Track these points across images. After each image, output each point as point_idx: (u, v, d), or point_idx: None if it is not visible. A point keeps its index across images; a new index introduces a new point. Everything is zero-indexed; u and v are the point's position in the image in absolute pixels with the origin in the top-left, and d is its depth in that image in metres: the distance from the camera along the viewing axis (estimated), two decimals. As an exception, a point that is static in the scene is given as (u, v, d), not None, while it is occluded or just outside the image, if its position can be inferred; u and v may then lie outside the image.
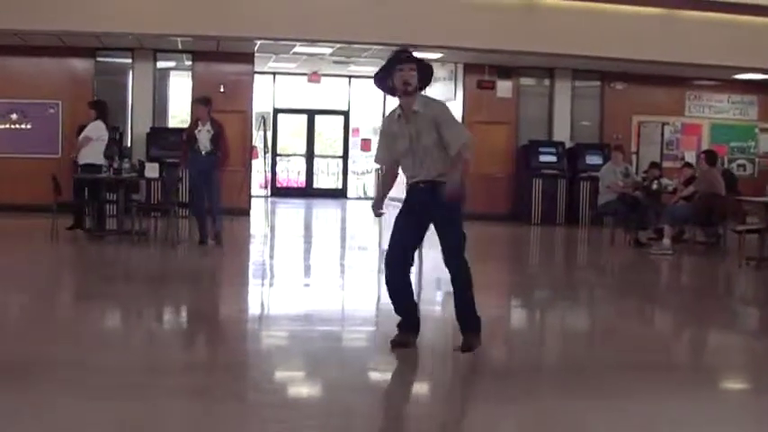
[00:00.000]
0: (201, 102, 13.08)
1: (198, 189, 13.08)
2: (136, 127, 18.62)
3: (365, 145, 26.29)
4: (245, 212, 18.81)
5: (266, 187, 25.31)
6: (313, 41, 17.78)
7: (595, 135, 20.41)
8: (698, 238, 15.41)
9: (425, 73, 6.75)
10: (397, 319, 6.89)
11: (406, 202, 6.83)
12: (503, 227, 18.45)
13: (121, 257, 12.43)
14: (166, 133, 18.32)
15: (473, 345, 6.64)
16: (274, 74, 24.28)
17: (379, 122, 25.74)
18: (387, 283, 6.85)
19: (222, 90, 18.80)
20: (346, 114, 25.91)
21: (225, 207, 13.59)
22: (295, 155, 26.45)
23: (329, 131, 26.95)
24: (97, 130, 14.00)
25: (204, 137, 12.73)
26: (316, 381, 6.32)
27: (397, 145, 6.73)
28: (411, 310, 6.96)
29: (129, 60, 18.72)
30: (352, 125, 26.16)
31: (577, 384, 6.15)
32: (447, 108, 6.76)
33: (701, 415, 5.54)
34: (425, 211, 6.66)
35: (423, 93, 6.76)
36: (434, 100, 6.84)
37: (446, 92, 20.13)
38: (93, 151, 13.88)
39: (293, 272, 12.26)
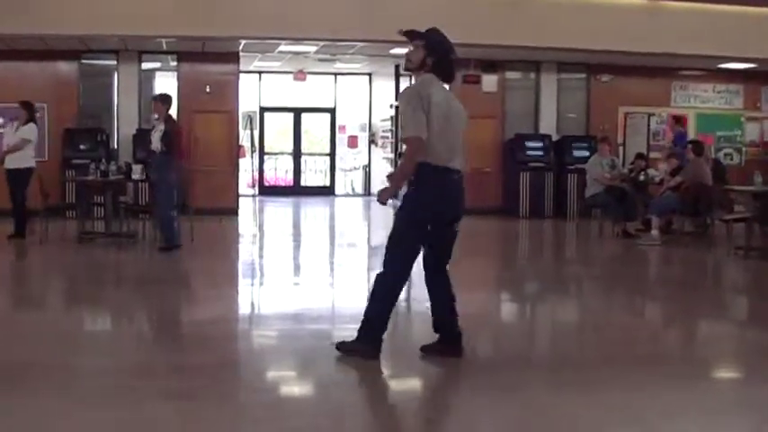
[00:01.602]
0: (157, 99, 12.83)
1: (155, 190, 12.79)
2: (122, 129, 18.56)
3: (352, 142, 26.28)
4: (233, 212, 18.80)
5: (254, 186, 25.28)
6: (298, 40, 17.76)
7: (582, 127, 20.42)
8: (686, 229, 15.44)
9: (431, 41, 6.36)
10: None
11: None
12: (491, 221, 18.44)
13: (109, 260, 12.39)
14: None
15: (345, 347, 6.51)
16: (260, 73, 24.24)
17: (365, 119, 25.76)
18: None
19: (208, 90, 18.79)
20: (332, 112, 25.88)
21: (173, 213, 12.79)
22: (282, 153, 26.40)
23: (316, 129, 26.91)
24: (33, 133, 13.74)
25: (156, 136, 12.43)
26: (306, 380, 6.33)
27: None
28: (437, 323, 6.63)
29: (114, 62, 18.66)
30: (338, 122, 26.11)
31: (568, 377, 6.17)
32: (405, 94, 6.27)
33: (692, 406, 5.56)
34: None
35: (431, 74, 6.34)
36: (416, 83, 6.37)
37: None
38: (27, 155, 13.61)
39: (282, 271, 12.25)
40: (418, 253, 6.42)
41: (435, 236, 6.37)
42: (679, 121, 18.65)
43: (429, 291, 6.60)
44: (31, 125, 13.68)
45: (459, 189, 6.40)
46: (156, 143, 12.37)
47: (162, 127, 12.40)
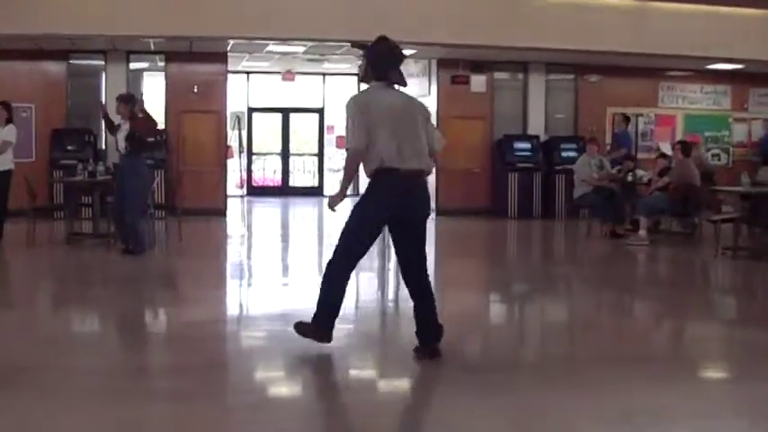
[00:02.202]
0: (120, 99, 12.59)
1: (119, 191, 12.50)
2: (110, 129, 18.51)
3: (340, 142, 26.23)
4: (221, 213, 18.76)
5: (242, 187, 25.26)
6: (286, 40, 17.74)
7: (570, 128, 20.44)
8: (674, 229, 15.49)
9: (369, 52, 6.58)
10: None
11: None
12: (480, 221, 18.49)
13: (98, 261, 12.34)
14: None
15: (305, 332, 6.67)
16: (248, 73, 24.22)
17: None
18: None
19: (196, 90, 18.76)
20: (321, 112, 25.86)
21: (145, 214, 12.78)
22: (270, 153, 26.37)
23: (304, 129, 26.89)
24: (14, 134, 13.44)
25: (120, 136, 12.25)
26: (295, 381, 6.32)
27: None
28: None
29: (102, 62, 18.60)
30: (326, 123, 26.10)
31: (557, 377, 6.17)
32: (349, 105, 6.39)
33: (681, 406, 5.56)
34: None
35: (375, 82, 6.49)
36: (359, 92, 6.64)
37: (420, 88, 20.14)
38: (7, 157, 13.28)
39: (271, 271, 12.23)
40: (365, 249, 6.56)
41: (396, 236, 6.52)
42: (627, 120, 18.59)
43: (411, 295, 6.61)
44: (11, 126, 13.42)
45: (414, 189, 6.44)
46: (121, 143, 12.22)
47: (126, 126, 12.22)
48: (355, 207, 6.49)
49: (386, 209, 6.37)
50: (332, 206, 6.54)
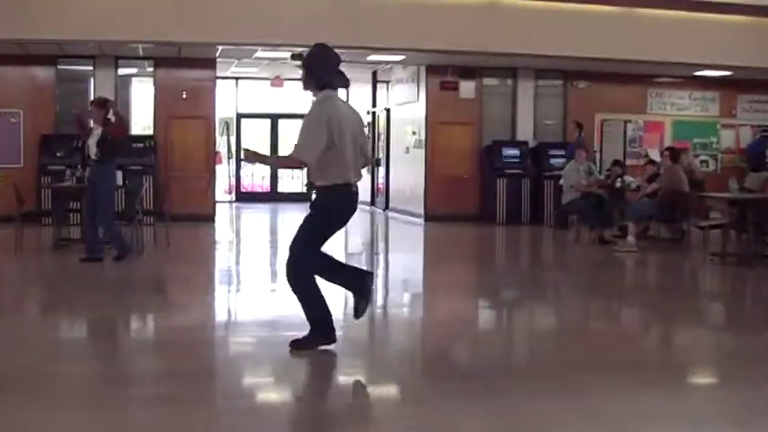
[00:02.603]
0: (93, 103, 12.52)
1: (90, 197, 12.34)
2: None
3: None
4: (209, 218, 18.72)
5: (231, 192, 25.23)
6: (275, 46, 17.71)
7: (558, 134, 20.45)
8: (662, 235, 15.51)
9: (307, 62, 6.75)
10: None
11: None
12: (468, 227, 18.47)
13: (85, 266, 12.29)
14: (129, 140, 18.16)
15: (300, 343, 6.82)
16: (237, 79, 24.20)
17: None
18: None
19: (184, 96, 18.71)
20: (310, 118, 25.82)
21: (119, 221, 12.72)
22: (259, 159, 26.32)
23: (293, 135, 26.84)
24: None
25: (92, 141, 12.08)
26: (283, 386, 6.31)
27: None
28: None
29: (91, 67, 18.53)
30: (315, 129, 26.05)
31: (546, 383, 6.17)
32: (311, 113, 6.66)
33: (670, 412, 5.56)
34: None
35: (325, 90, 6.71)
36: (316, 102, 6.75)
37: (409, 94, 20.15)
38: None
39: (259, 277, 12.21)
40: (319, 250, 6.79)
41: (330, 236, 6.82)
42: (579, 126, 18.55)
43: (327, 267, 6.93)
44: None
45: (355, 200, 6.82)
46: (92, 148, 12.08)
47: (99, 132, 12.08)
48: (312, 222, 6.68)
49: (342, 221, 6.79)
50: (245, 158, 6.91)
